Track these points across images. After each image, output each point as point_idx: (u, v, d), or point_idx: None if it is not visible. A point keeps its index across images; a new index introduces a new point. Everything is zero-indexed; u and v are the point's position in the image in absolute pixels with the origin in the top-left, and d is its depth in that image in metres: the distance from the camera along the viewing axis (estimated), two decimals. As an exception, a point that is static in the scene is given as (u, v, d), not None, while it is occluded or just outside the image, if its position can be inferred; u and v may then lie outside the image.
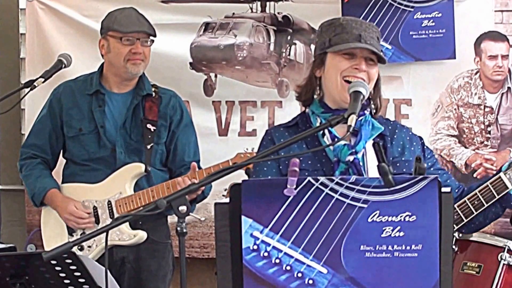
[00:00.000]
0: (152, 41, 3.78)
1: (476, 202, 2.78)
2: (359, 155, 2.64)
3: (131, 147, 3.76)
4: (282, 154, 2.59)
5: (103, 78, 3.84)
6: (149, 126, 3.77)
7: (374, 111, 2.73)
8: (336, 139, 2.61)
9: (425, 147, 2.81)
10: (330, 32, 2.66)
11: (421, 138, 2.81)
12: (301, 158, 2.62)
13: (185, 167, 3.80)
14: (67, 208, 3.74)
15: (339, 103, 2.66)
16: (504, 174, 2.76)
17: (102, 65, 3.86)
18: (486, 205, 2.79)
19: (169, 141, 3.82)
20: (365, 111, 2.69)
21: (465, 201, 2.70)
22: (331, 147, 2.64)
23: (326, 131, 2.65)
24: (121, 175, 3.75)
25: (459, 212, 2.76)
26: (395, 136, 2.74)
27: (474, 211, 2.78)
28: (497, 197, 2.80)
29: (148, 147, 3.75)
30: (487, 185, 2.69)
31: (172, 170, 3.85)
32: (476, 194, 2.68)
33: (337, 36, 2.63)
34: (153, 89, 3.84)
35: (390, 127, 2.77)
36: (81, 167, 3.80)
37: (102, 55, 3.82)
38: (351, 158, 2.61)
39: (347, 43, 2.61)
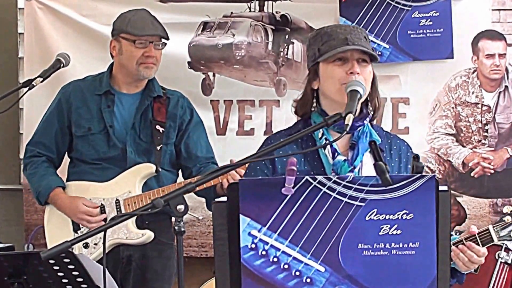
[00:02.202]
0: (165, 44, 3.76)
1: None
2: (356, 170, 2.62)
3: (141, 148, 3.75)
4: (280, 152, 2.57)
5: (112, 78, 3.81)
6: (158, 127, 3.75)
7: (372, 112, 2.71)
8: (336, 154, 2.60)
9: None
10: (317, 42, 2.65)
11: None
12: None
13: (200, 163, 3.78)
14: (78, 207, 3.71)
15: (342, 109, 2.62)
16: (493, 227, 2.77)
17: (110, 65, 3.84)
18: None
19: (179, 139, 3.80)
20: (364, 121, 2.66)
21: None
22: (330, 160, 2.62)
23: (328, 145, 2.62)
24: (131, 174, 3.72)
25: None
26: (391, 152, 2.72)
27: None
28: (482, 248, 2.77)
29: (158, 148, 3.74)
30: (474, 235, 2.70)
31: (189, 168, 3.82)
32: (462, 241, 2.68)
33: (325, 44, 2.62)
34: (161, 90, 3.84)
35: (389, 140, 2.75)
36: (92, 166, 3.77)
37: (112, 56, 3.79)
38: (351, 175, 2.58)
39: (335, 49, 2.60)
